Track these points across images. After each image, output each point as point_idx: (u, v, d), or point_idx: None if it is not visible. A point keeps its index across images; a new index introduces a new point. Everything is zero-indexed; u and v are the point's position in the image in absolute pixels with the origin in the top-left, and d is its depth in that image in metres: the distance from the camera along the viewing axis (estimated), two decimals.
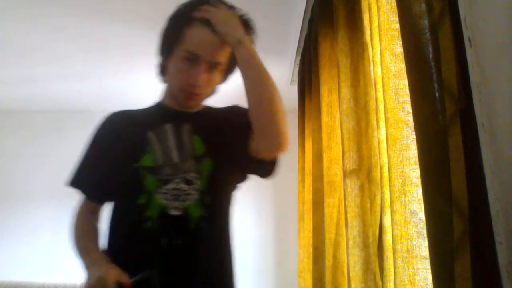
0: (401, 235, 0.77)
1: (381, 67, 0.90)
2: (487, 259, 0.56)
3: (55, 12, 2.25)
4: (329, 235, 1.42)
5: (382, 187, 1.02)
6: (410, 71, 0.74)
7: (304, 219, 2.05)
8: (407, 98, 0.78)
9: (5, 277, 3.16)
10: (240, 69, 1.08)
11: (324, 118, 1.51)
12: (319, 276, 1.60)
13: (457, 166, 0.60)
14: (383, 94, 0.88)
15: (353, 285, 1.12)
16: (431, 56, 0.67)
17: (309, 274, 1.82)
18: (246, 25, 1.13)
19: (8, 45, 2.65)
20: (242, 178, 1.21)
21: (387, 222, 0.95)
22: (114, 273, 0.93)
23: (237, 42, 1.04)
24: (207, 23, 1.04)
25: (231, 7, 1.12)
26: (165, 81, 1.17)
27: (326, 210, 1.44)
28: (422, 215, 0.73)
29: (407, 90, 0.76)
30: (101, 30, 2.45)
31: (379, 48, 0.96)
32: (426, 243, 0.69)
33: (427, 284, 0.72)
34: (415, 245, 0.74)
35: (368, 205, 1.12)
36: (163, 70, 1.15)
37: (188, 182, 1.05)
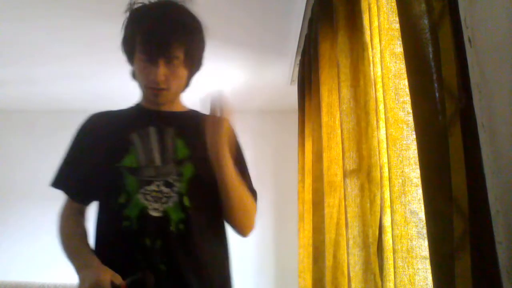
0: (401, 235, 0.77)
1: (381, 67, 0.90)
2: (487, 259, 0.56)
3: (55, 12, 2.25)
4: (329, 235, 1.42)
5: (382, 187, 1.02)
6: (410, 71, 0.74)
7: (304, 219, 2.05)
8: (407, 98, 0.78)
9: (5, 277, 3.16)
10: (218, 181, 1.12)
11: (324, 118, 1.51)
12: (319, 276, 1.60)
13: (457, 166, 0.60)
14: (383, 94, 0.88)
15: (353, 285, 1.12)
16: (431, 56, 0.67)
17: (309, 274, 1.82)
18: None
19: (8, 45, 2.65)
20: None
21: (387, 222, 0.95)
22: (108, 275, 0.94)
23: (218, 160, 1.08)
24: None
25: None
26: (138, 85, 1.19)
27: (326, 210, 1.44)
28: (422, 215, 0.73)
29: (407, 90, 0.76)
30: (101, 30, 2.45)
31: (379, 48, 0.96)
32: (426, 243, 0.69)
33: (427, 284, 0.72)
34: (415, 245, 0.74)
35: (368, 205, 1.12)
36: (134, 75, 1.19)
37: (169, 184, 1.07)
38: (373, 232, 1.08)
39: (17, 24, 2.38)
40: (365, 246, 1.11)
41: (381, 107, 1.03)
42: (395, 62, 0.84)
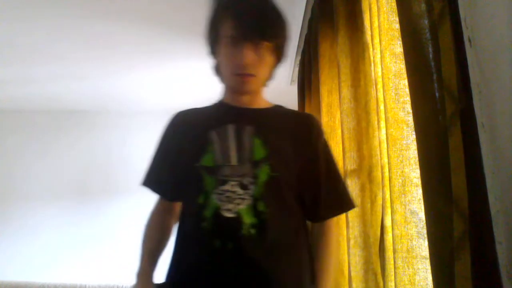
0: (401, 235, 0.77)
1: (381, 67, 0.90)
2: (487, 259, 0.56)
3: (55, 12, 2.25)
4: None
5: (384, 187, 1.02)
6: (410, 71, 0.74)
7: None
8: (407, 98, 0.78)
9: (5, 277, 3.16)
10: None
11: (324, 118, 1.51)
12: None
13: (457, 166, 0.60)
14: (383, 94, 0.88)
15: (354, 285, 1.12)
16: (431, 56, 0.67)
17: None
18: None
19: (8, 45, 2.65)
20: (304, 197, 1.13)
21: (388, 222, 0.95)
22: None
23: None
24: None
25: None
26: (222, 78, 1.16)
27: None
28: (422, 215, 0.73)
29: (407, 90, 0.76)
30: (101, 30, 2.45)
31: (379, 48, 0.96)
32: (426, 243, 0.69)
33: (427, 284, 0.72)
34: (415, 245, 0.74)
35: (369, 205, 1.11)
36: (218, 69, 1.15)
37: (243, 186, 1.03)
38: (374, 232, 1.08)
39: (17, 24, 2.39)
40: (366, 246, 1.11)
41: (381, 107, 1.03)
42: (395, 62, 0.84)
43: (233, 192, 1.03)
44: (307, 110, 2.08)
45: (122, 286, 3.00)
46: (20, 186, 3.82)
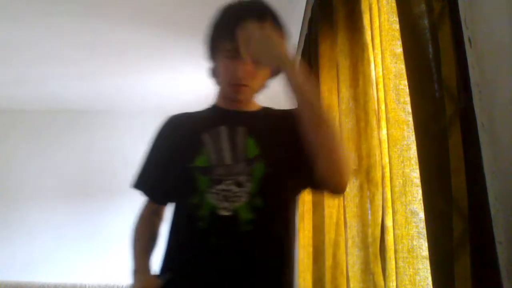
0: (401, 235, 0.77)
1: (382, 68, 0.90)
2: (487, 259, 0.56)
3: (55, 12, 2.25)
4: (329, 235, 1.42)
5: (383, 187, 1.02)
6: (410, 71, 0.74)
7: (304, 219, 2.05)
8: (408, 99, 0.78)
9: (5, 277, 3.16)
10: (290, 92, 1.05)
11: None
12: (319, 276, 1.60)
13: (457, 166, 0.60)
14: (384, 94, 0.88)
15: (352, 285, 1.12)
16: (431, 56, 0.67)
17: (309, 274, 1.82)
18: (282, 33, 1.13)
19: (8, 45, 2.65)
20: (301, 185, 1.16)
21: (389, 222, 0.95)
22: (152, 285, 1.04)
23: (279, 65, 1.04)
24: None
25: (277, 26, 1.10)
26: (217, 82, 1.20)
27: (326, 210, 1.44)
28: (422, 215, 0.73)
29: (408, 90, 0.76)
30: (101, 30, 2.45)
31: (379, 49, 0.96)
32: (426, 243, 0.69)
33: (427, 284, 0.72)
34: (416, 245, 0.74)
35: (367, 205, 1.12)
36: (214, 73, 1.19)
37: (239, 184, 1.06)
38: (373, 232, 1.08)
39: (17, 24, 2.38)
40: (364, 246, 1.11)
41: (382, 107, 1.03)
42: (396, 63, 0.84)
43: (229, 190, 1.05)
44: None
45: (122, 285, 3.01)
46: (20, 186, 3.82)
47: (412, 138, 0.76)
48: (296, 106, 1.01)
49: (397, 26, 0.83)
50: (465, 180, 0.59)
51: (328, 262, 1.40)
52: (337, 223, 1.41)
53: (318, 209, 1.64)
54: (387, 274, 0.93)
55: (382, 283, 1.04)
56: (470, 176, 0.59)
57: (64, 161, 3.88)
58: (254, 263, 1.04)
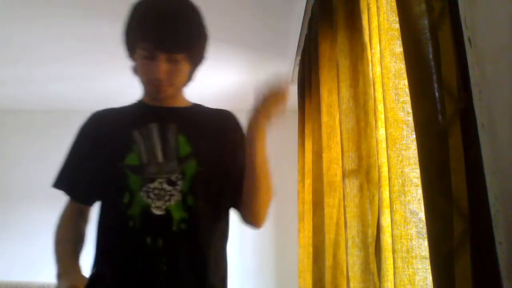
0: (400, 235, 0.77)
1: (381, 67, 0.90)
2: (487, 259, 0.56)
3: (55, 12, 2.25)
4: (329, 235, 1.42)
5: (381, 187, 1.02)
6: (410, 71, 0.74)
7: (304, 219, 2.05)
8: (407, 98, 0.78)
9: (5, 277, 3.16)
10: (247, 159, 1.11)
11: (324, 118, 1.51)
12: (319, 276, 1.60)
13: (457, 166, 0.60)
14: (383, 94, 0.88)
15: (352, 285, 1.12)
16: (431, 56, 0.67)
17: (309, 274, 1.82)
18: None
19: (8, 45, 2.65)
20: (229, 195, 1.17)
21: (384, 222, 0.95)
22: (81, 285, 0.98)
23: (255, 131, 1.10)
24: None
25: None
26: (139, 81, 1.17)
27: (326, 210, 1.44)
28: (422, 215, 0.73)
29: (407, 90, 0.76)
30: (101, 31, 2.45)
31: (378, 48, 0.96)
32: (426, 243, 0.69)
33: (427, 284, 0.72)
34: (415, 245, 0.74)
35: (367, 205, 1.11)
36: (136, 71, 1.16)
37: (172, 183, 1.05)
38: (373, 232, 1.08)
39: (17, 24, 2.38)
40: (364, 246, 1.11)
41: (380, 107, 1.03)
42: (395, 62, 0.84)
43: (162, 189, 1.04)
44: (307, 110, 2.08)
45: None
46: (20, 186, 3.82)
47: (411, 137, 0.76)
48: (247, 152, 1.08)
49: (397, 26, 0.83)
50: (465, 180, 0.59)
51: (328, 262, 1.40)
52: (337, 223, 1.40)
53: (318, 209, 1.64)
54: (382, 274, 0.93)
55: (379, 283, 1.04)
56: (470, 176, 0.59)
57: None
58: (188, 262, 1.03)
